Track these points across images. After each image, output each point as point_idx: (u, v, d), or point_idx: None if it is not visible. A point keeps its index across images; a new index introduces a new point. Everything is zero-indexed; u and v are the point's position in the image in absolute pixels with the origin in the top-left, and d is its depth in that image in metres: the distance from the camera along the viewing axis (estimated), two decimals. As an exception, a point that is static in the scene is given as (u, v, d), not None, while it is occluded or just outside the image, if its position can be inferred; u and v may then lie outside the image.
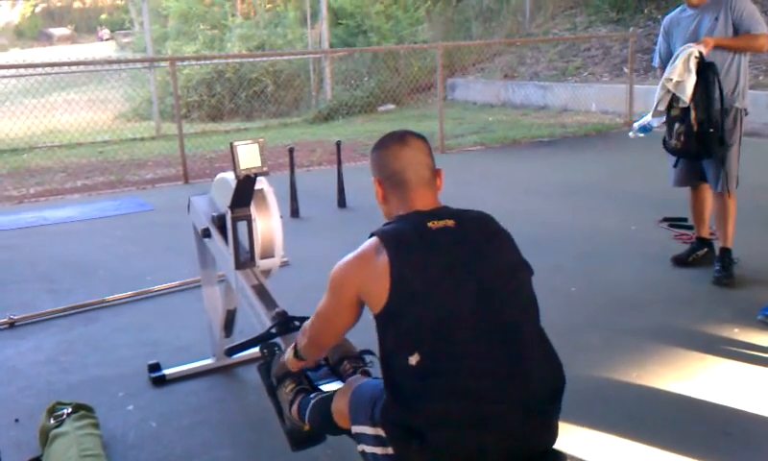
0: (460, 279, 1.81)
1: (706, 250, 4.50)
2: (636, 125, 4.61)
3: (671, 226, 5.35)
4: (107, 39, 26.15)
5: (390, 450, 1.81)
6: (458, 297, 1.79)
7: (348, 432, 2.04)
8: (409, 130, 2.08)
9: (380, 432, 1.84)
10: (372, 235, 1.90)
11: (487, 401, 1.74)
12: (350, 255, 1.91)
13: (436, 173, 2.03)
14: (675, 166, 4.42)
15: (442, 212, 1.93)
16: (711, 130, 4.03)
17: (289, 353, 2.28)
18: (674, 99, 4.09)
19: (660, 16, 12.93)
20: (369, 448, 1.90)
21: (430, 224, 1.87)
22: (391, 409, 1.80)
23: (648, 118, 4.38)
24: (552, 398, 1.84)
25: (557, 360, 1.88)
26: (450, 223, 1.88)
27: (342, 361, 2.37)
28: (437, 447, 1.72)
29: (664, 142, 4.27)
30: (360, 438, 1.93)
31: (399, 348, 1.78)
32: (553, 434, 1.83)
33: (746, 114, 4.20)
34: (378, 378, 1.96)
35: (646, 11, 13.91)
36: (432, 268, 1.81)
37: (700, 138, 4.05)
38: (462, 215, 1.93)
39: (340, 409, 2.07)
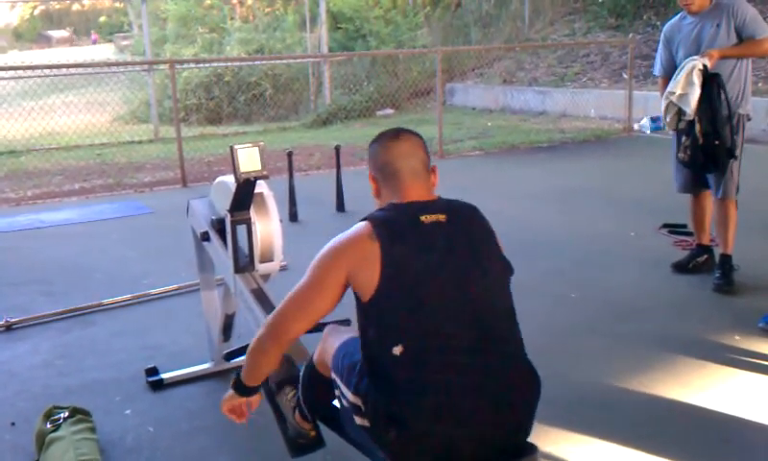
0: (449, 275, 1.84)
1: (706, 256, 4.48)
2: (646, 120, 4.60)
3: (671, 232, 5.34)
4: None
5: (366, 422, 1.86)
6: (445, 293, 1.83)
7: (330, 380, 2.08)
8: (406, 128, 2.13)
9: (359, 403, 1.88)
10: (363, 220, 1.92)
11: (464, 396, 1.79)
12: (342, 237, 1.92)
13: (431, 169, 2.05)
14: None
15: (434, 205, 1.95)
16: (717, 142, 4.01)
17: (229, 392, 2.21)
18: (681, 112, 4.08)
19: (658, 23, 12.97)
20: (346, 404, 1.94)
21: (422, 217, 1.89)
22: (372, 394, 1.83)
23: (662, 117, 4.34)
24: (525, 399, 1.89)
25: (531, 367, 1.93)
26: (442, 217, 1.91)
27: (283, 386, 2.33)
28: (414, 437, 1.77)
29: (677, 155, 4.27)
30: (339, 391, 1.98)
31: (384, 337, 1.81)
32: (524, 431, 1.89)
33: (749, 120, 4.19)
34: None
35: (645, 17, 13.94)
36: (423, 261, 1.84)
37: (706, 151, 4.04)
38: (453, 209, 1.96)
39: (323, 360, 2.11)
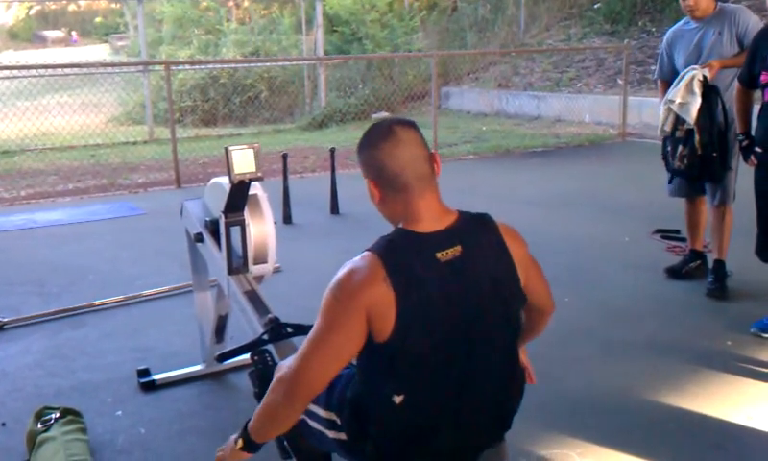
0: (459, 322, 1.74)
1: (699, 262, 4.50)
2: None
3: (664, 237, 5.35)
4: (68, 44, 26.13)
5: (342, 435, 1.85)
6: (453, 341, 1.74)
7: None
8: (395, 119, 1.88)
9: (334, 418, 1.87)
10: (371, 251, 1.73)
11: (441, 440, 1.80)
12: (354, 276, 1.70)
13: (432, 160, 1.83)
14: (670, 182, 4.42)
15: (448, 236, 1.77)
16: (715, 153, 4.02)
17: (232, 444, 1.91)
18: (678, 120, 4.08)
19: (653, 29, 13.01)
20: (315, 425, 1.93)
21: (438, 255, 1.73)
22: (359, 416, 1.80)
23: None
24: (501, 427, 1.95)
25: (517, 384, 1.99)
26: (458, 250, 1.74)
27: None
28: (392, 457, 1.81)
29: (667, 163, 4.27)
30: (306, 412, 1.90)
31: (385, 382, 1.73)
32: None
33: (747, 127, 4.20)
34: None
35: (640, 23, 13.97)
36: (436, 310, 1.71)
37: (703, 162, 4.05)
38: (467, 233, 1.79)
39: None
